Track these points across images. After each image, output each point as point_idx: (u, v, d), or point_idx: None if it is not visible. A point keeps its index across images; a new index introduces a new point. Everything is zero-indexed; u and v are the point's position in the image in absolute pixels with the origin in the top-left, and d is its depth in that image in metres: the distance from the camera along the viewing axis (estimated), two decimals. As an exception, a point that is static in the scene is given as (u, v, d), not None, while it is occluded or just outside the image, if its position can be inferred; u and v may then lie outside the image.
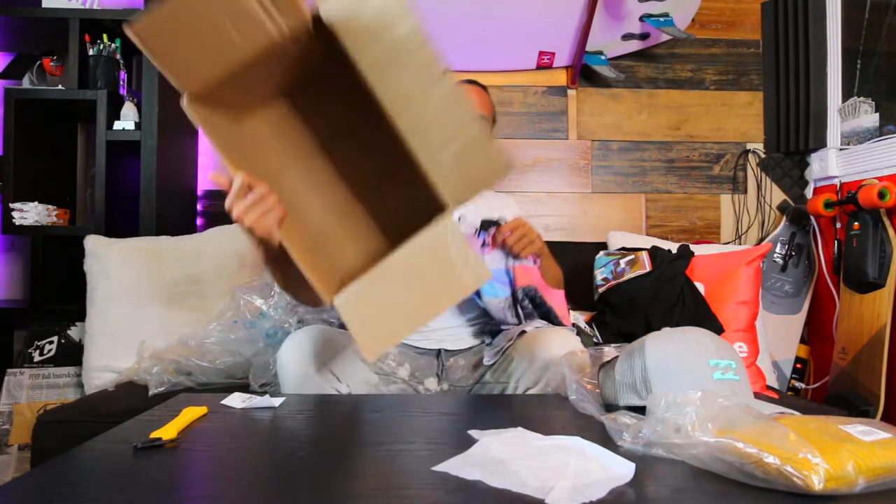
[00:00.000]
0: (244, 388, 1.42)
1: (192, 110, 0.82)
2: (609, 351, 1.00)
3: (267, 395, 0.94)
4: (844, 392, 1.89)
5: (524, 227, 1.30)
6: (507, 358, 1.23)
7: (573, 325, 1.56)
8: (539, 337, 1.19)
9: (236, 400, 0.93)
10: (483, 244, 1.31)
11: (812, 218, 2.19)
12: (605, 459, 0.64)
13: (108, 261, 1.69)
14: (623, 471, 0.61)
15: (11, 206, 1.87)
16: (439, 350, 1.35)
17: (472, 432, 0.75)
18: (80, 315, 1.73)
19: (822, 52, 2.17)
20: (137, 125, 1.90)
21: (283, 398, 0.96)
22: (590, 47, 2.26)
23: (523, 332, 1.25)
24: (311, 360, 1.12)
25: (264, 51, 0.80)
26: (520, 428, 0.76)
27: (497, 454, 0.67)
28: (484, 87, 1.54)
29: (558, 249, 1.56)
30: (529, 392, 1.15)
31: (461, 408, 0.99)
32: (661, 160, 2.40)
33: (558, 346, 1.13)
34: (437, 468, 0.63)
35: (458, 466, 0.64)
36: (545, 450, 0.68)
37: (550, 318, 1.32)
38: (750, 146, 2.40)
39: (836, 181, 2.13)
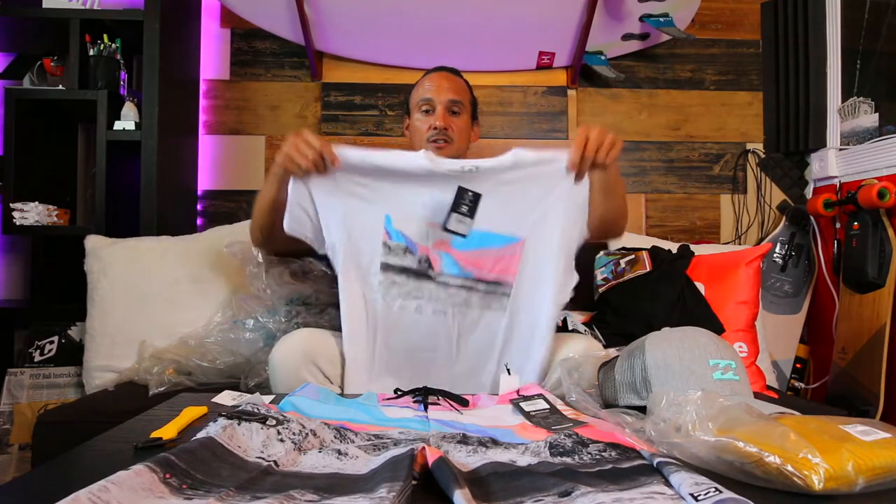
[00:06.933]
0: (235, 386, 1.41)
1: None
2: (609, 351, 1.00)
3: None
4: (844, 392, 1.89)
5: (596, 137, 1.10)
6: None
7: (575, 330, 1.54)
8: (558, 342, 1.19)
9: (227, 398, 0.93)
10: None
11: (812, 218, 2.19)
12: None
13: (108, 261, 1.69)
14: None
15: (12, 206, 1.87)
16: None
17: None
18: (80, 315, 1.73)
19: (822, 52, 2.17)
20: (137, 125, 1.90)
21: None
22: (590, 47, 2.25)
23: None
24: (303, 362, 1.12)
25: None
26: None
27: None
28: (455, 72, 1.52)
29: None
30: None
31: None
32: (661, 160, 2.40)
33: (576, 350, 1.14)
34: None
35: None
36: None
37: None
38: (750, 146, 2.40)
39: (836, 181, 2.14)
